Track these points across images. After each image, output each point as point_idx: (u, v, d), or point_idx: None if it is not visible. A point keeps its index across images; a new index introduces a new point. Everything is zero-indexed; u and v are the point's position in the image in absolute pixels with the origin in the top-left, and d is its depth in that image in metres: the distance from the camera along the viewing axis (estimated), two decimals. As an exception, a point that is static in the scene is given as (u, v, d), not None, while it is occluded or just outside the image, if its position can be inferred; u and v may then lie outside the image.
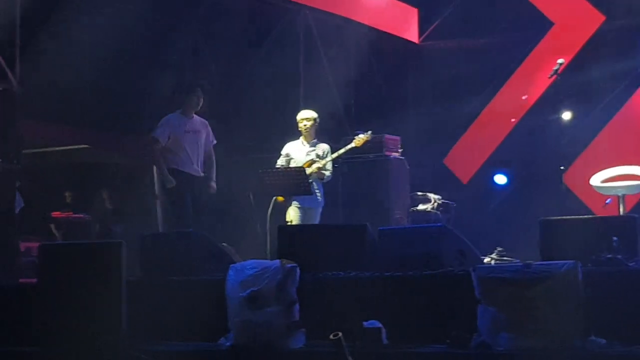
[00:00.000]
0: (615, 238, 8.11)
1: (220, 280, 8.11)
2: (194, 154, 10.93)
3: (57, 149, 14.85)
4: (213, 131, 11.27)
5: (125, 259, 7.85)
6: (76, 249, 8.36)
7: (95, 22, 12.06)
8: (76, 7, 11.83)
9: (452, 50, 15.60)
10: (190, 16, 13.18)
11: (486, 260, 11.23)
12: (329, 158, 11.54)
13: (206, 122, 11.15)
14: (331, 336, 7.02)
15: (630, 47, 14.38)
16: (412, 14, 15.67)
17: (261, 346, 7.73)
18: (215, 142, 11.27)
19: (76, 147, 14.63)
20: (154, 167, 12.29)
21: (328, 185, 11.78)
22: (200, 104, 11.01)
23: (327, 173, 11.59)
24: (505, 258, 11.56)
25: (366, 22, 14.51)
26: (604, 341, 7.18)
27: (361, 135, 11.64)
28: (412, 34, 15.68)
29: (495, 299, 7.34)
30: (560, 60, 10.68)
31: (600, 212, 12.30)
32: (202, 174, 11.00)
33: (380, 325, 7.64)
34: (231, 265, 8.21)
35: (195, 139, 10.97)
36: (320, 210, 11.63)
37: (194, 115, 11.05)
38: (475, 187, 15.18)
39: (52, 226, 13.98)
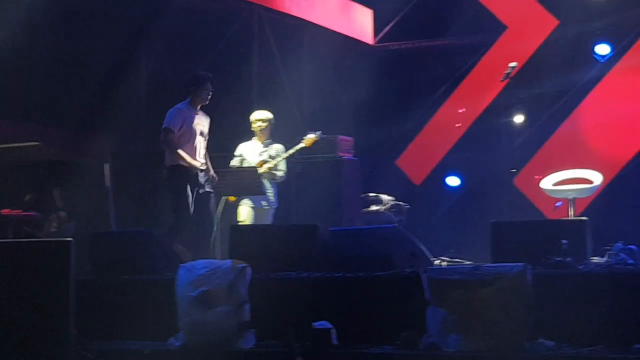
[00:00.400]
0: (564, 241, 8.17)
1: (170, 280, 8.08)
2: (200, 149, 10.61)
3: (6, 146, 14.66)
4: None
5: (74, 257, 7.75)
6: (23, 247, 8.23)
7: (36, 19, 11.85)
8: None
9: (407, 51, 15.64)
10: (141, 14, 13.07)
11: (437, 261, 11.26)
12: (280, 158, 11.52)
13: (208, 116, 10.83)
14: (280, 337, 7.02)
15: (582, 52, 14.49)
16: (367, 15, 15.69)
17: (211, 346, 7.71)
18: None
19: (26, 144, 14.47)
20: (105, 166, 11.98)
21: (281, 186, 11.76)
22: (209, 97, 10.67)
23: (280, 173, 11.57)
24: (456, 260, 11.61)
25: (321, 23, 14.51)
26: (552, 343, 7.23)
27: (310, 135, 11.64)
28: (367, 35, 15.69)
29: (445, 300, 7.38)
30: (512, 64, 10.73)
31: (551, 215, 12.38)
32: (204, 167, 10.63)
33: (330, 326, 7.64)
34: (181, 264, 8.18)
35: (202, 133, 10.66)
36: (272, 210, 11.61)
37: (200, 109, 10.74)
38: (428, 189, 15.22)
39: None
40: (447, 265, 11.01)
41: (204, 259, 8.78)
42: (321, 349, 7.46)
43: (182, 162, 10.36)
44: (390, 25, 15.70)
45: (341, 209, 12.12)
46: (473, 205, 14.00)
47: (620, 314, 7.39)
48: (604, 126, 14.10)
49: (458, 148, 15.09)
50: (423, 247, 9.16)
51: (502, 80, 10.82)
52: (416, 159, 15.42)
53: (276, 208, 11.67)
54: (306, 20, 14.23)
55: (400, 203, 13.10)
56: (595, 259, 9.99)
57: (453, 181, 15.11)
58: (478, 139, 14.55)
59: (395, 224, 11.53)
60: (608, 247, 10.89)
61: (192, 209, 10.38)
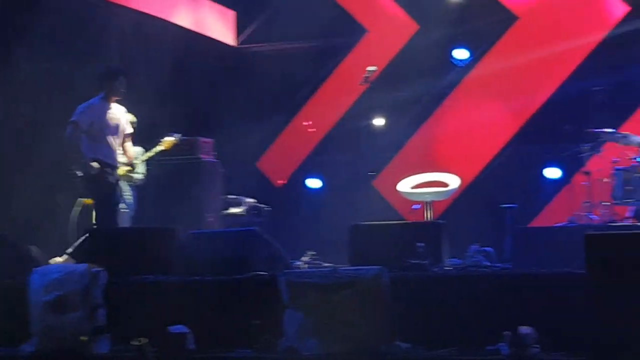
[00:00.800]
0: (420, 244, 8.27)
1: (23, 284, 7.89)
2: (116, 144, 10.38)
3: None
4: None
5: None
6: None
7: None
8: None
9: (270, 53, 15.61)
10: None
11: (297, 264, 11.28)
12: (139, 161, 11.37)
13: (124, 109, 10.56)
14: (135, 341, 6.93)
15: (441, 56, 14.70)
16: (230, 16, 15.60)
17: (65, 351, 7.56)
18: (131, 131, 10.73)
19: None
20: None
21: (140, 188, 11.62)
22: (124, 91, 10.42)
23: (138, 176, 11.43)
24: (316, 262, 11.64)
25: (183, 24, 14.37)
26: (408, 345, 7.32)
27: (169, 138, 11.51)
28: (230, 37, 15.61)
29: (302, 303, 7.40)
30: (371, 68, 10.80)
31: (410, 218, 12.53)
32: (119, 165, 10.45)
33: (186, 330, 7.58)
34: (34, 268, 8.00)
35: (117, 128, 10.40)
36: (131, 213, 11.46)
37: (115, 103, 10.47)
38: (289, 191, 15.22)
39: None
40: (307, 267, 11.05)
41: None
42: (177, 353, 7.39)
43: (100, 157, 10.20)
44: (254, 27, 15.64)
45: (201, 211, 12.02)
46: (334, 207, 14.04)
47: (474, 316, 7.51)
48: (462, 130, 14.34)
49: (319, 150, 15.14)
50: (282, 250, 9.17)
51: (361, 84, 10.87)
52: (277, 161, 15.39)
53: (135, 211, 11.51)
54: (167, 21, 14.07)
55: (261, 205, 13.07)
56: (452, 261, 10.17)
57: (314, 183, 15.13)
58: (339, 141, 14.61)
59: (254, 227, 11.49)
60: (464, 249, 11.13)
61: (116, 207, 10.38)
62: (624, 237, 6.68)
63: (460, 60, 14.69)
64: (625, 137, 12.06)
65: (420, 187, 12.08)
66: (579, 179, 12.39)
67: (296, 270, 9.15)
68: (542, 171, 14.12)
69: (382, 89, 13.46)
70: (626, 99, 13.60)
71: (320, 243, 12.47)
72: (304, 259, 11.68)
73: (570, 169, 12.93)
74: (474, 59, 14.63)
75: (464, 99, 14.50)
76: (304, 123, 14.92)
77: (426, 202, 11.77)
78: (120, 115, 10.43)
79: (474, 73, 14.57)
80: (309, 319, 7.35)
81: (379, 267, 7.42)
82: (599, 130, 12.01)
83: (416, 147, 14.50)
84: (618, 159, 12.10)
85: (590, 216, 11.72)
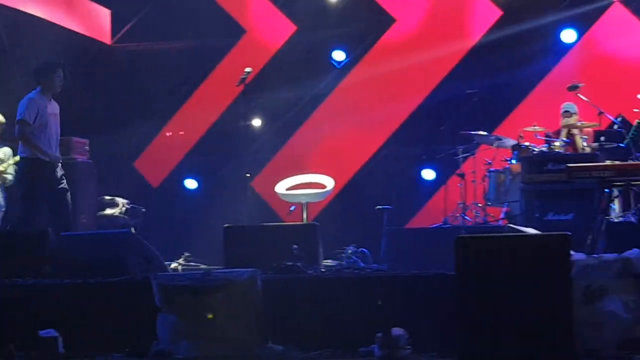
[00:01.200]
0: (295, 246, 8.28)
1: None
2: (55, 138, 10.12)
3: None
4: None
5: None
6: None
7: None
8: None
9: (146, 52, 15.45)
10: None
11: (173, 265, 11.20)
12: (11, 161, 11.15)
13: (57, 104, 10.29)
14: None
15: (320, 58, 14.77)
16: (105, 15, 15.39)
17: None
18: None
19: None
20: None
21: (11, 189, 11.38)
22: (61, 84, 10.16)
23: (10, 177, 11.21)
24: (192, 264, 11.58)
25: (56, 21, 14.11)
26: (281, 348, 7.32)
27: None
28: (104, 35, 15.40)
29: (175, 306, 7.35)
30: (247, 69, 10.76)
31: (288, 219, 12.54)
32: (60, 158, 10.19)
33: (56, 334, 7.44)
34: None
35: (55, 122, 10.14)
36: (1, 214, 11.23)
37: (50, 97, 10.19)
38: (166, 192, 15.09)
39: None
40: (183, 269, 10.98)
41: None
42: (46, 357, 7.26)
43: (40, 155, 9.90)
44: (129, 25, 15.45)
45: (75, 212, 11.82)
46: (211, 208, 13.98)
47: (348, 317, 7.55)
48: (339, 131, 14.41)
49: (196, 151, 15.04)
50: (157, 252, 9.08)
51: (237, 85, 10.83)
52: (154, 161, 15.24)
53: (5, 212, 11.28)
54: (41, 18, 13.80)
55: (136, 206, 12.93)
56: (328, 262, 10.21)
57: (191, 184, 15.03)
58: (217, 142, 14.56)
59: (129, 229, 11.37)
60: (340, 250, 11.19)
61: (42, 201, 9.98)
62: (493, 240, 6.78)
63: (339, 62, 14.77)
64: (498, 139, 12.28)
65: (296, 189, 12.08)
66: (453, 180, 12.57)
67: (169, 273, 9.07)
68: (419, 173, 14.29)
69: (261, 90, 13.47)
70: (500, 103, 13.86)
71: (196, 245, 12.42)
72: (180, 260, 11.63)
73: (446, 170, 13.10)
74: (352, 60, 14.73)
75: (342, 100, 14.58)
76: (180, 133, 14.86)
77: (302, 204, 11.79)
78: (56, 110, 10.22)
79: (351, 75, 14.67)
80: (182, 322, 7.29)
81: (252, 269, 7.40)
82: (473, 132, 12.20)
83: (294, 149, 14.52)
84: (491, 161, 12.32)
85: (464, 217, 11.89)
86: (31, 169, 9.96)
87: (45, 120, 9.98)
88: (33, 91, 10.08)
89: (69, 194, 10.17)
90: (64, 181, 10.12)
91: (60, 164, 10.11)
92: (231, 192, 12.99)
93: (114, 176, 13.95)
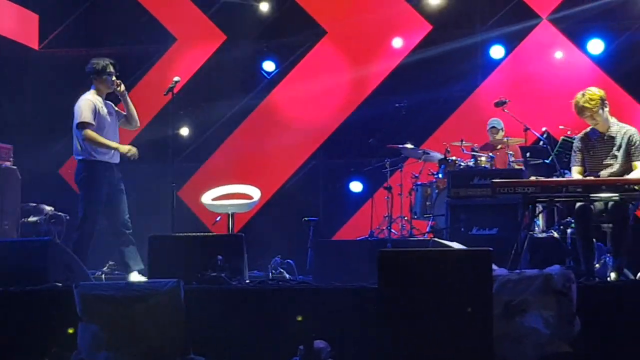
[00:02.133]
0: (220, 257, 8.24)
1: None
2: (115, 140, 10.06)
3: None
4: None
5: None
6: None
7: None
8: None
9: (74, 58, 15.27)
10: None
11: (97, 274, 11.09)
12: None
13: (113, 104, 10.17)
14: None
15: (250, 68, 14.76)
16: (32, 19, 15.19)
17: None
18: None
19: None
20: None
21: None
22: (115, 83, 10.04)
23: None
24: (115, 273, 11.46)
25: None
26: (203, 359, 7.27)
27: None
28: (31, 40, 15.21)
29: (97, 316, 7.25)
30: (176, 78, 10.69)
31: (213, 230, 12.48)
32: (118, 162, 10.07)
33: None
34: None
35: (114, 122, 10.07)
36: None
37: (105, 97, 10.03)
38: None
39: None
40: (106, 279, 10.87)
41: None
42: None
43: (99, 157, 9.84)
44: (57, 30, 15.28)
45: (-2, 219, 11.68)
46: (136, 217, 13.84)
47: (271, 329, 7.53)
48: (267, 142, 14.41)
49: (123, 159, 14.85)
50: (80, 261, 8.99)
51: (165, 94, 10.76)
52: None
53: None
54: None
55: (61, 214, 12.76)
56: (254, 274, 10.19)
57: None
58: (144, 151, 14.42)
59: (51, 237, 11.24)
60: (266, 262, 11.19)
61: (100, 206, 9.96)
62: (416, 254, 6.82)
63: (269, 73, 14.78)
64: (426, 153, 12.36)
65: (223, 199, 12.03)
66: (381, 193, 12.62)
67: (91, 282, 8.96)
68: (346, 185, 14.33)
69: (190, 99, 13.42)
70: (428, 117, 13.97)
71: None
72: (104, 269, 11.51)
73: (373, 183, 13.16)
74: (282, 71, 14.74)
75: (271, 111, 14.58)
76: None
77: (229, 214, 11.74)
78: (112, 109, 10.16)
79: (281, 85, 14.68)
80: (103, 333, 7.20)
81: (176, 279, 7.34)
82: (401, 146, 12.27)
83: (221, 159, 14.49)
84: (418, 175, 12.40)
85: (391, 230, 11.95)
86: (92, 171, 9.98)
87: (101, 122, 9.94)
88: (87, 92, 10.00)
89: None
90: (121, 184, 10.37)
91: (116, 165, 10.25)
92: (157, 202, 12.89)
93: (39, 183, 13.77)
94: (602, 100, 8.77)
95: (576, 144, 9.00)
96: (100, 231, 14.22)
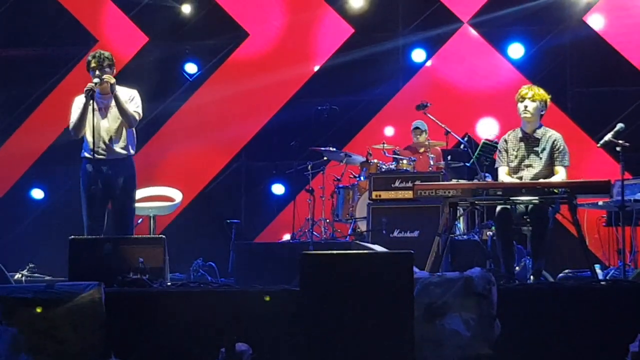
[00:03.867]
0: (141, 259, 8.19)
1: None
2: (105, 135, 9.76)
3: None
4: None
5: None
6: None
7: None
8: None
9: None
10: None
11: (17, 276, 10.97)
12: None
13: None
14: None
15: (172, 70, 14.71)
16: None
17: None
18: None
19: None
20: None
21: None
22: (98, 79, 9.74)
23: None
24: (36, 275, 11.34)
25: None
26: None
27: None
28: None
29: (15, 319, 7.14)
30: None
31: (135, 232, 12.39)
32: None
33: None
34: None
35: (105, 116, 9.76)
36: None
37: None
38: (11, 202, 14.74)
39: None
40: (26, 281, 10.75)
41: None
42: None
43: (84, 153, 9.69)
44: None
45: None
46: (57, 219, 13.73)
47: (193, 332, 7.49)
48: (189, 145, 14.37)
49: (43, 160, 14.74)
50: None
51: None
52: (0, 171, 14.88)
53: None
54: None
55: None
56: (175, 276, 10.15)
57: (38, 194, 14.73)
58: (64, 152, 14.29)
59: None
60: (188, 264, 11.15)
61: None
62: (337, 256, 6.82)
63: (191, 75, 14.73)
64: (348, 156, 12.41)
65: (144, 202, 11.95)
66: (303, 196, 12.64)
67: (10, 284, 8.84)
68: (268, 187, 14.34)
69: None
70: (350, 120, 14.03)
71: (42, 256, 12.18)
72: (24, 271, 11.38)
73: (295, 186, 13.18)
74: (204, 74, 14.71)
75: (193, 113, 14.54)
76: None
77: (150, 217, 11.67)
78: None
79: (203, 88, 14.64)
80: (22, 336, 7.10)
81: (96, 282, 7.27)
82: (323, 149, 12.31)
83: (142, 161, 14.33)
84: (340, 178, 12.44)
85: (313, 233, 11.97)
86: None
87: None
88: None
89: None
90: None
91: None
92: (78, 203, 12.78)
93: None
94: (546, 101, 8.91)
95: (501, 144, 9.10)
96: (19, 233, 14.20)
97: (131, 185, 9.70)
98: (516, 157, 8.95)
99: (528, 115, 8.87)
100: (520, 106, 8.91)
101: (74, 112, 9.62)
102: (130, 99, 9.71)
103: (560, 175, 8.73)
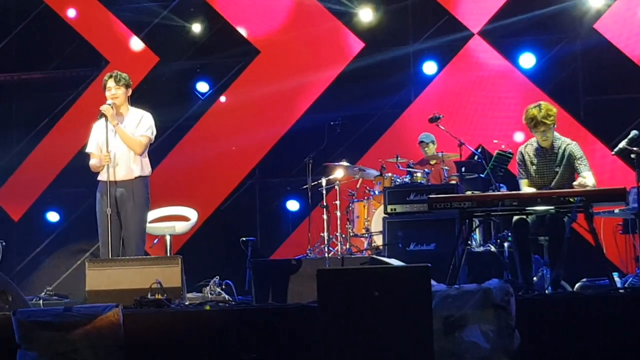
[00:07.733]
0: (158, 279, 8.21)
1: None
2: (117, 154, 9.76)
3: None
4: None
5: None
6: None
7: None
8: None
9: (7, 83, 15.17)
10: None
11: (35, 300, 10.99)
12: None
13: None
14: None
15: (184, 89, 14.74)
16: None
17: None
18: None
19: None
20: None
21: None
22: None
23: None
24: (54, 299, 11.38)
25: None
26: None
27: None
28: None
29: (35, 343, 7.19)
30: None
31: (151, 252, 12.42)
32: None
33: None
34: None
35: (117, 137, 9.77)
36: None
37: None
38: (28, 225, 14.77)
39: None
40: (44, 304, 10.77)
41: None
42: None
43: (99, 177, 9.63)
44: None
45: None
46: (73, 241, 13.78)
47: (211, 351, 7.51)
48: (202, 163, 14.38)
49: (58, 183, 14.78)
50: (16, 287, 8.89)
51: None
52: (16, 194, 14.91)
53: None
54: None
55: (-5, 240, 12.64)
56: (192, 295, 10.15)
57: (54, 217, 14.77)
58: (79, 175, 14.31)
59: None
60: (205, 283, 11.15)
61: None
62: (354, 272, 6.83)
63: (203, 94, 14.76)
64: (362, 170, 12.41)
65: (159, 222, 11.98)
66: (317, 211, 12.62)
67: (29, 309, 8.85)
68: (283, 204, 14.34)
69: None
70: (363, 134, 14.03)
71: (62, 278, 12.22)
72: (41, 295, 11.42)
73: (310, 202, 13.17)
74: (216, 92, 14.73)
75: (206, 131, 14.56)
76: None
77: (166, 236, 11.70)
78: None
79: (216, 106, 14.67)
80: (42, 359, 7.14)
81: (114, 304, 7.30)
82: (337, 164, 12.30)
83: (157, 180, 14.37)
84: (355, 192, 12.43)
85: (329, 249, 11.95)
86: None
87: None
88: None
89: None
90: None
91: None
92: (94, 225, 12.81)
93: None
94: (555, 117, 8.90)
95: (518, 156, 9.11)
96: (36, 256, 14.24)
97: (141, 207, 9.64)
98: (534, 170, 8.95)
99: (543, 138, 8.89)
100: (538, 135, 8.91)
101: (91, 142, 9.63)
102: (140, 121, 9.68)
103: (589, 179, 8.70)
